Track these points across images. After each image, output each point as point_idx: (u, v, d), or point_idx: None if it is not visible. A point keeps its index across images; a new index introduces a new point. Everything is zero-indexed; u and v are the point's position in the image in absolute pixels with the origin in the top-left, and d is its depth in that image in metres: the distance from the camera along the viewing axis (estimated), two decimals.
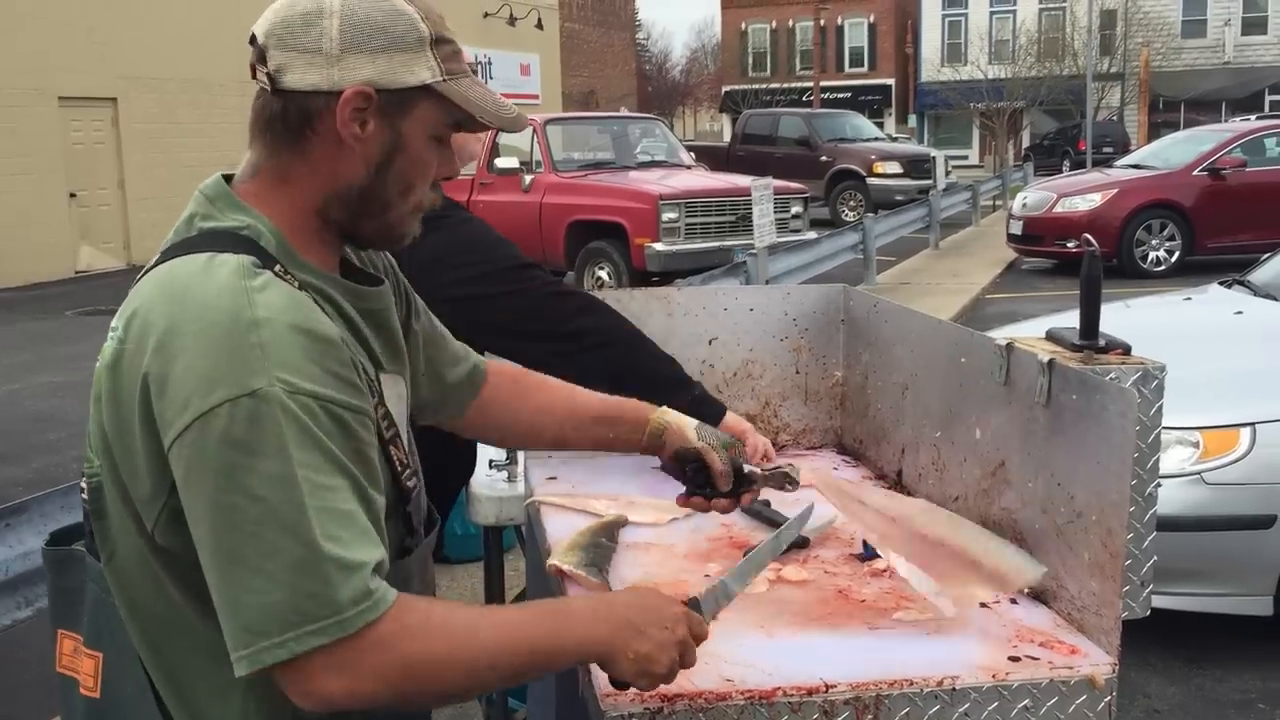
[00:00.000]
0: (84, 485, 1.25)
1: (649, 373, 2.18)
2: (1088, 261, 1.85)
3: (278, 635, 1.07)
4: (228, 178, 1.28)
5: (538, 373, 1.74)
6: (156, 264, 1.22)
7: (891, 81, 48.69)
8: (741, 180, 11.42)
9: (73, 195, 16.08)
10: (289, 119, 1.22)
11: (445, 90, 1.26)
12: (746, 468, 1.70)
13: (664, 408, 1.70)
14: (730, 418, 2.18)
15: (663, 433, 1.66)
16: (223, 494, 1.08)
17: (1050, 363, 1.69)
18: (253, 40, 1.24)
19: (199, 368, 1.10)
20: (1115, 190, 12.91)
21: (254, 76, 1.25)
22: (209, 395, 1.09)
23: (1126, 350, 1.82)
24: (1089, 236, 1.96)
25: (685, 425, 1.67)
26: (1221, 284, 5.78)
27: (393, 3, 1.24)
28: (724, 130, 48.04)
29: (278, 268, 1.19)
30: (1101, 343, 1.82)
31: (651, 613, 1.27)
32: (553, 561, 1.81)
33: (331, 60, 1.20)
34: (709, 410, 2.18)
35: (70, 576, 1.28)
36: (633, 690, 1.42)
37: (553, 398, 1.69)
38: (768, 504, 2.13)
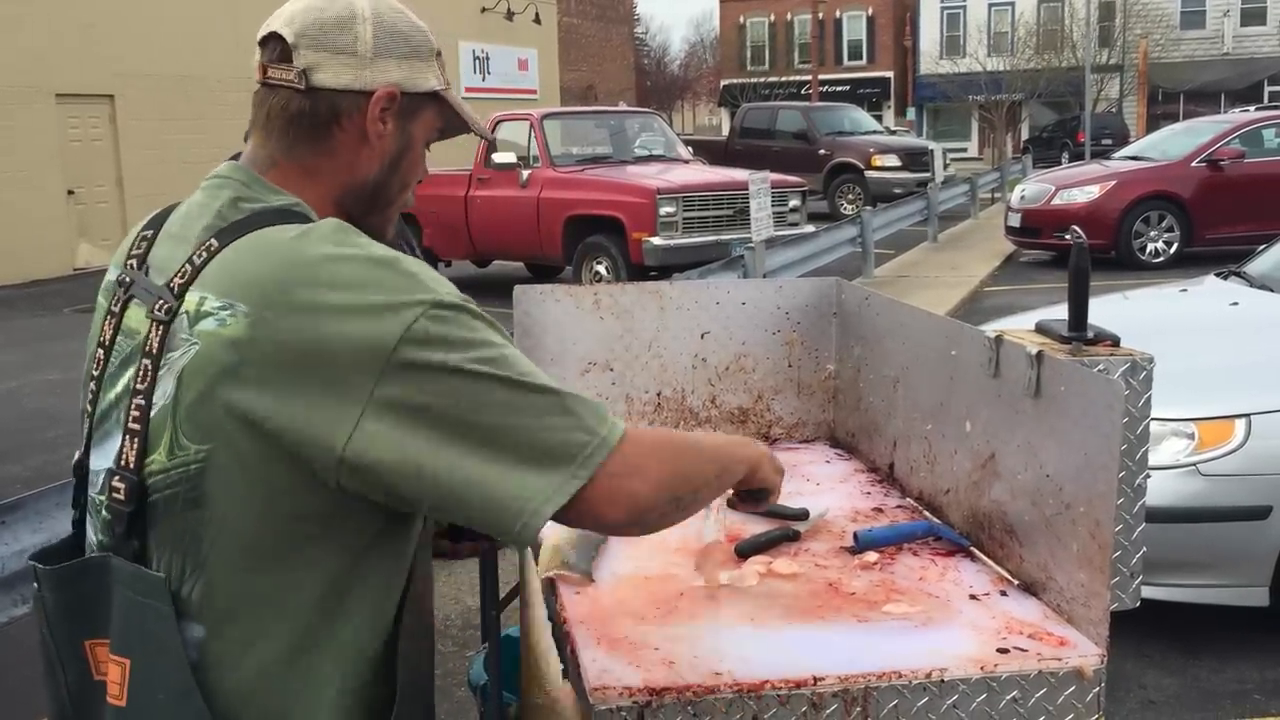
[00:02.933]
0: (118, 486, 1.22)
1: None
2: (1075, 253, 1.85)
3: (569, 467, 1.18)
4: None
5: None
6: (223, 244, 1.22)
7: (890, 74, 48.64)
8: (739, 174, 11.43)
9: (70, 192, 16.07)
10: (317, 114, 1.29)
11: (448, 98, 1.37)
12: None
13: None
14: None
15: None
16: (463, 383, 1.16)
17: (1039, 355, 1.69)
18: (269, 39, 1.30)
19: (374, 303, 1.15)
20: (1114, 182, 12.91)
21: (263, 75, 1.30)
22: (398, 318, 1.15)
23: (1115, 342, 1.82)
24: (1077, 228, 1.95)
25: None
26: (1218, 275, 5.78)
27: (410, 16, 1.35)
28: (723, 124, 47.99)
29: None
30: (1090, 334, 1.82)
31: (748, 440, 1.57)
32: (545, 575, 1.80)
33: (365, 62, 1.29)
34: None
35: (93, 585, 1.25)
36: (621, 684, 1.43)
37: None
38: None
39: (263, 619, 1.20)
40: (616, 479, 1.21)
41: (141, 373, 1.21)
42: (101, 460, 1.27)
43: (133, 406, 1.21)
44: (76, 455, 1.34)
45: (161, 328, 1.21)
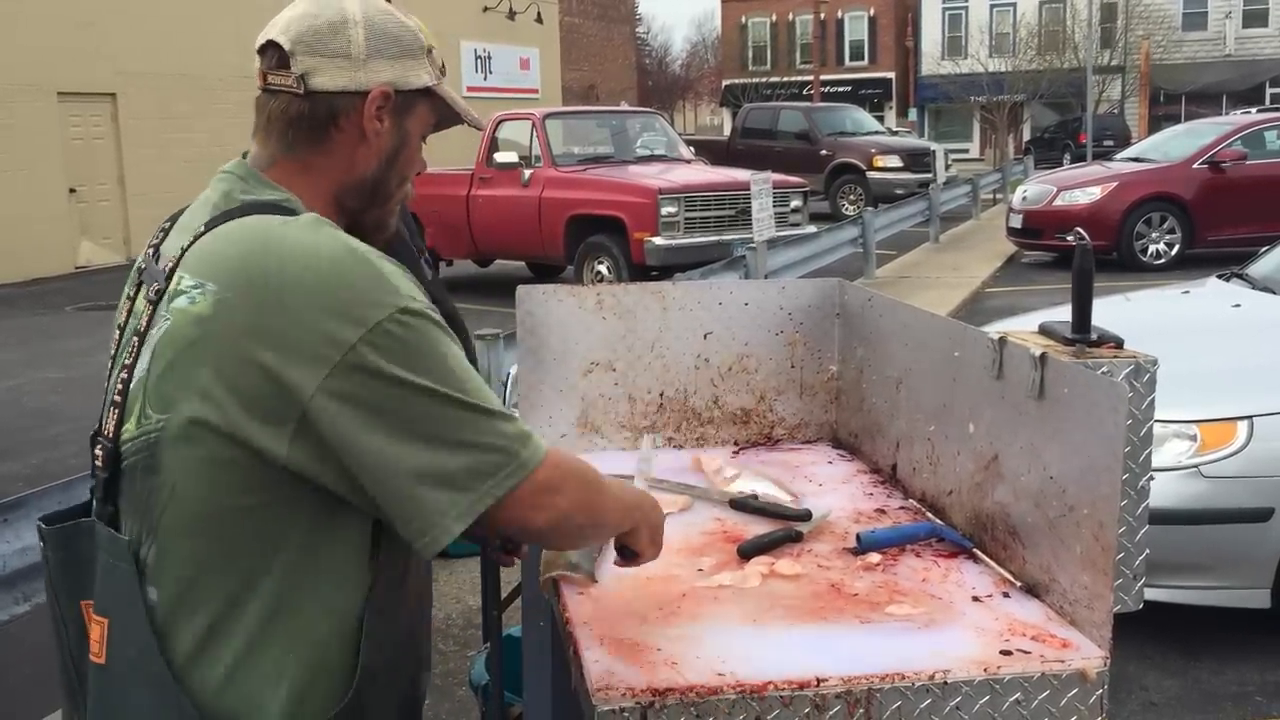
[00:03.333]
0: (98, 453, 1.31)
1: None
2: (1079, 255, 1.85)
3: (485, 485, 1.25)
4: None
5: None
6: (208, 230, 1.30)
7: (892, 75, 48.64)
8: (741, 174, 11.42)
9: (72, 191, 16.08)
10: (316, 116, 1.36)
11: (441, 93, 1.44)
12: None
13: None
14: None
15: None
16: (407, 393, 1.22)
17: (1043, 356, 1.69)
18: (267, 48, 1.37)
19: (341, 298, 1.21)
20: (1115, 183, 12.90)
21: (264, 81, 1.38)
22: (361, 320, 1.21)
23: (1119, 344, 1.82)
24: (1080, 230, 1.96)
25: None
26: (1220, 277, 5.78)
27: (400, 17, 1.41)
28: (724, 124, 47.99)
29: None
30: (1094, 336, 1.82)
31: (643, 495, 1.59)
32: (545, 576, 1.79)
33: (358, 64, 1.37)
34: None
35: (82, 548, 1.33)
36: (624, 685, 1.43)
37: None
38: (755, 496, 2.14)
39: (210, 587, 1.26)
40: (537, 495, 1.29)
41: (130, 348, 1.30)
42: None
43: (117, 381, 1.30)
44: (95, 428, 1.40)
45: (152, 307, 1.30)
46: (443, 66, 1.47)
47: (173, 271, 1.29)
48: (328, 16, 1.36)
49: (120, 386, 1.29)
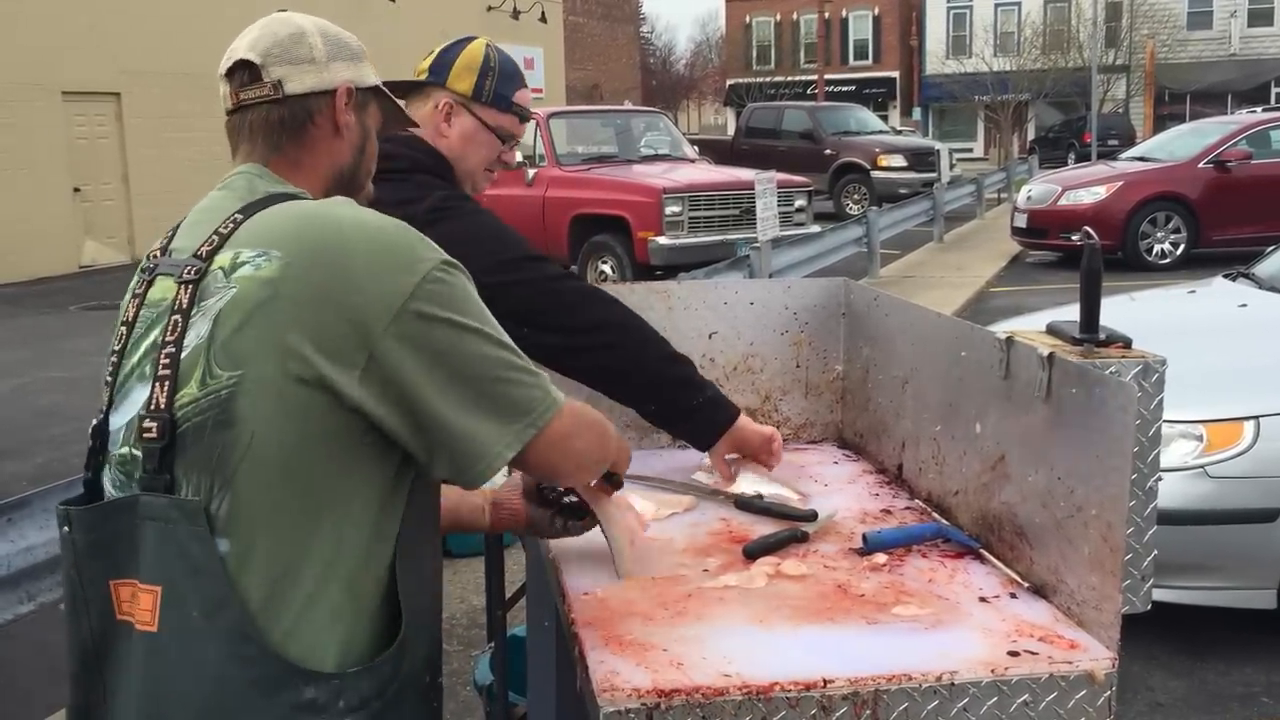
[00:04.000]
0: (150, 426, 1.33)
1: (654, 374, 2.16)
2: (1088, 255, 1.84)
3: (528, 417, 1.40)
4: None
5: None
6: (249, 215, 1.40)
7: (896, 74, 48.60)
8: (745, 174, 11.41)
9: (76, 190, 16.09)
10: (295, 118, 1.50)
11: (386, 91, 1.61)
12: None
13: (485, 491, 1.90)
14: (744, 423, 2.20)
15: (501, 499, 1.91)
16: (460, 333, 1.36)
17: (1050, 356, 1.68)
18: (234, 69, 1.50)
19: (395, 256, 1.35)
20: (1120, 183, 12.88)
21: (235, 100, 1.51)
22: (413, 270, 1.35)
23: (1127, 344, 1.81)
24: (1089, 230, 1.95)
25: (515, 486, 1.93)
26: (1226, 277, 5.76)
27: (339, 28, 1.58)
28: (728, 124, 47.97)
29: None
30: (1102, 336, 1.81)
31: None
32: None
33: (321, 66, 1.51)
34: (719, 416, 2.18)
35: (120, 525, 1.35)
36: (630, 685, 1.42)
37: None
38: (760, 496, 2.13)
39: (282, 533, 1.32)
40: (562, 435, 1.45)
41: (171, 327, 1.35)
42: (124, 416, 1.39)
43: (162, 356, 1.35)
44: (94, 422, 1.44)
45: (190, 287, 1.36)
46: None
47: (213, 253, 1.37)
48: (287, 31, 1.51)
49: (168, 360, 1.34)
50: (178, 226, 1.49)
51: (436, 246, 1.40)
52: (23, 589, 3.03)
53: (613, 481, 1.79)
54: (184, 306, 1.35)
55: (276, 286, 1.32)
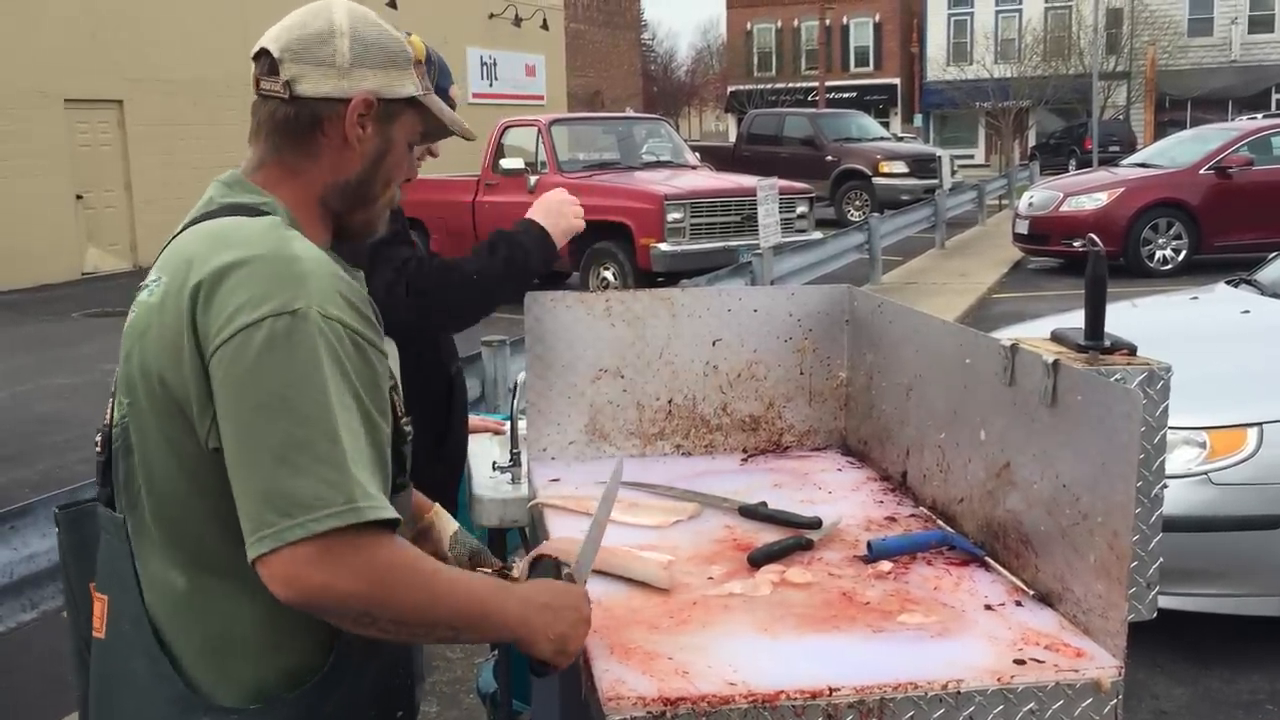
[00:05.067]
0: (97, 439, 1.41)
1: (493, 281, 2.39)
2: (1093, 261, 1.84)
3: (300, 516, 1.19)
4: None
5: None
6: (180, 232, 1.40)
7: (897, 81, 48.63)
8: (747, 180, 11.42)
9: (79, 197, 16.10)
10: (301, 121, 1.43)
11: (427, 103, 1.51)
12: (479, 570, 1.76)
13: (437, 508, 1.83)
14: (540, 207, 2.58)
15: (429, 530, 1.81)
16: (259, 393, 1.23)
17: (1055, 363, 1.68)
18: (260, 54, 1.44)
19: (247, 286, 1.26)
20: (1121, 189, 12.88)
21: (257, 87, 1.45)
22: (255, 310, 1.25)
23: (1132, 351, 1.81)
24: (1094, 236, 1.95)
25: (444, 533, 1.81)
26: (1228, 283, 5.76)
27: (387, 28, 1.49)
28: (729, 130, 48.00)
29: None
30: (1107, 343, 1.81)
31: (561, 595, 1.45)
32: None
33: (343, 73, 1.43)
34: (529, 243, 2.49)
35: (90, 531, 1.43)
36: (635, 694, 1.42)
37: None
38: (765, 504, 2.12)
39: (184, 559, 1.33)
40: (344, 560, 1.20)
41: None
42: None
43: (116, 372, 1.40)
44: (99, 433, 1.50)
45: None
46: (424, 74, 1.54)
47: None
48: (316, 27, 1.43)
49: (115, 377, 1.40)
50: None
51: (319, 291, 1.27)
52: (25, 596, 3.02)
53: (538, 673, 1.46)
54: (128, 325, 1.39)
55: (153, 316, 1.32)
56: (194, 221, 1.40)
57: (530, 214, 2.55)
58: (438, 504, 1.84)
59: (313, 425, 1.22)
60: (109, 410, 1.40)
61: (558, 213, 2.53)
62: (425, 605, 1.28)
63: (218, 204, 1.41)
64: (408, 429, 1.47)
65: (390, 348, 1.54)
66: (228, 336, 1.24)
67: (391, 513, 1.25)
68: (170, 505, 1.33)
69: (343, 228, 1.51)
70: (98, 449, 1.41)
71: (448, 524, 1.83)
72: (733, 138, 29.22)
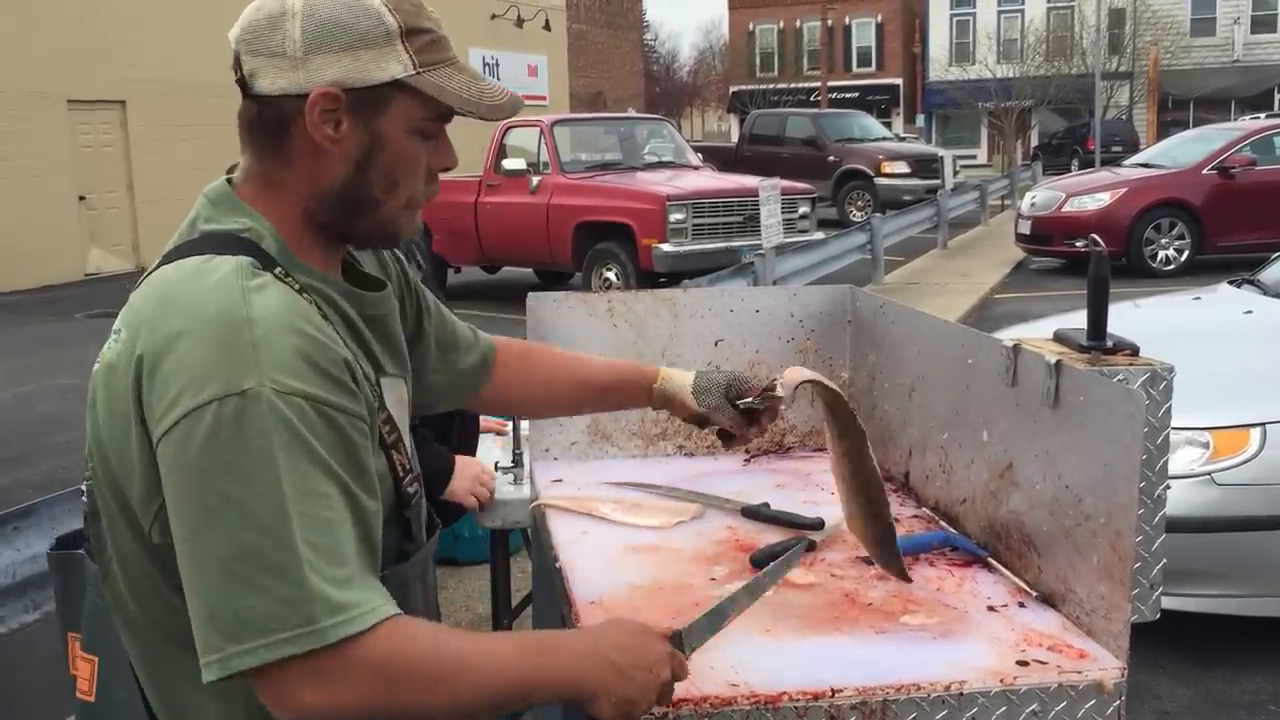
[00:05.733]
0: (84, 488, 1.26)
1: None
2: (1095, 262, 1.83)
3: (250, 641, 1.05)
4: (229, 179, 1.29)
5: (542, 345, 1.81)
6: (158, 266, 1.21)
7: (899, 81, 48.61)
8: (749, 181, 11.41)
9: (82, 198, 16.12)
10: (267, 124, 1.22)
11: (418, 84, 1.22)
12: (743, 404, 1.74)
13: (665, 371, 1.75)
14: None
15: (668, 399, 1.74)
16: (204, 494, 1.07)
17: (1058, 364, 1.68)
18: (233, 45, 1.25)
19: (190, 363, 1.09)
20: (1124, 189, 12.87)
21: (235, 80, 1.25)
22: (199, 393, 1.08)
23: (1134, 351, 1.81)
24: (1096, 237, 1.94)
25: (684, 391, 1.72)
26: (1231, 283, 5.75)
27: (367, 3, 1.21)
28: (731, 131, 48.01)
29: (278, 270, 1.19)
30: (1109, 343, 1.81)
31: (636, 654, 1.25)
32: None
33: (296, 63, 1.19)
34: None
35: (73, 579, 1.32)
36: None
37: (556, 370, 1.75)
38: (767, 505, 2.12)
39: (153, 637, 1.21)
40: (308, 679, 1.07)
41: None
42: None
43: None
44: None
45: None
46: (435, 44, 1.25)
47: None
48: (268, 9, 1.21)
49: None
50: None
51: (270, 364, 1.09)
52: (28, 597, 3.02)
53: None
54: None
55: (109, 378, 1.17)
56: (171, 253, 1.22)
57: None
58: (662, 368, 1.78)
59: (264, 532, 1.05)
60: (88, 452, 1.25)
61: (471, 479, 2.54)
62: (449, 697, 1.13)
63: (199, 231, 1.23)
64: (412, 490, 1.31)
65: (401, 389, 1.37)
66: (169, 425, 1.08)
67: (369, 617, 1.08)
68: (135, 581, 1.20)
69: (350, 239, 1.31)
70: (84, 498, 1.26)
71: (683, 384, 1.73)
72: (735, 138, 29.21)
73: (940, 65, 45.28)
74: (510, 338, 1.79)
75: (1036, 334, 2.18)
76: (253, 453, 1.07)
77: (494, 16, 25.06)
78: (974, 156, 42.62)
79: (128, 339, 1.16)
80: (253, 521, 1.06)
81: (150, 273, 1.22)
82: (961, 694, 1.44)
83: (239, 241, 1.21)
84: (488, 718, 1.18)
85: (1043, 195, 13.57)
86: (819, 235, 11.72)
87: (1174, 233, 12.62)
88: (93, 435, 1.19)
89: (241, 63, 1.22)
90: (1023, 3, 44.59)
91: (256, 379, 1.08)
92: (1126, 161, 15.53)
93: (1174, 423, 1.72)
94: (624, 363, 1.80)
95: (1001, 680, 1.46)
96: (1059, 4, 43.42)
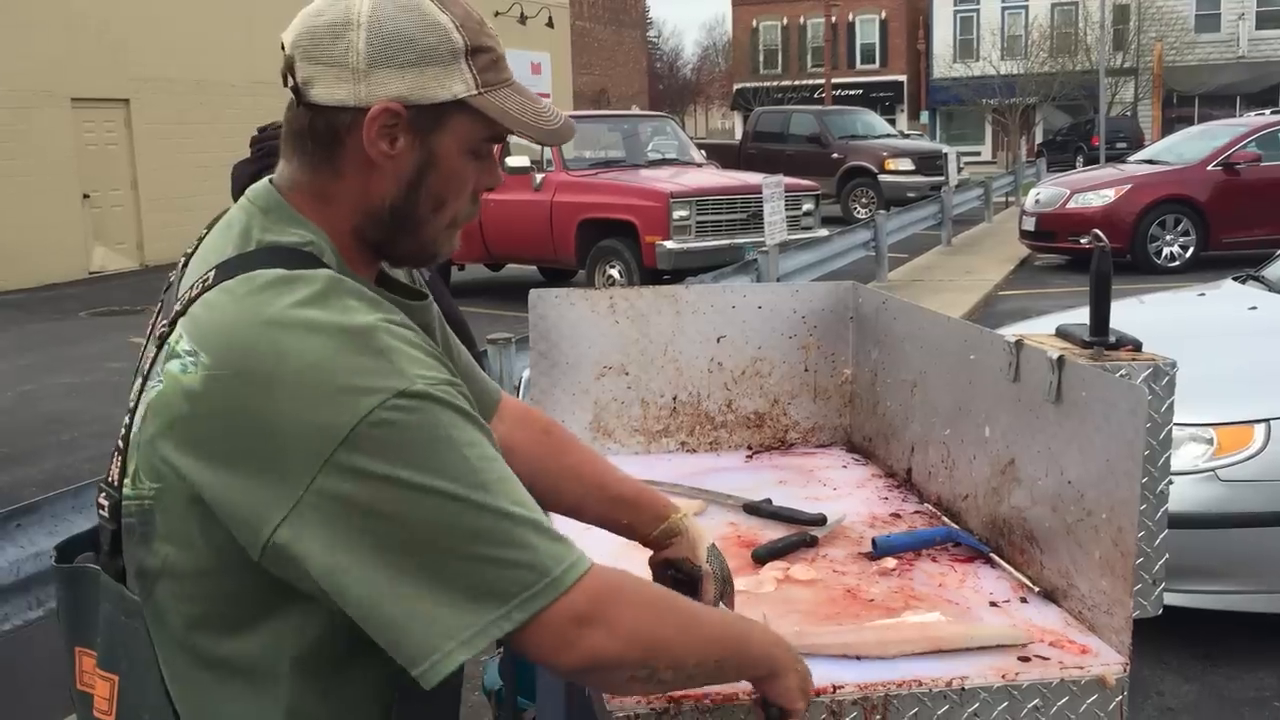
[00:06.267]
0: (104, 503, 1.20)
1: None
2: (1097, 258, 1.83)
3: (502, 608, 1.06)
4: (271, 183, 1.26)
5: (565, 429, 1.66)
6: (217, 279, 1.15)
7: (903, 78, 48.58)
8: (753, 178, 11.41)
9: (86, 196, 16.15)
10: (318, 134, 1.18)
11: (480, 104, 1.19)
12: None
13: (685, 513, 1.61)
14: None
15: (674, 537, 1.58)
16: (407, 499, 1.05)
17: (1060, 359, 1.67)
18: (283, 47, 1.20)
19: (332, 383, 1.06)
20: (1129, 186, 12.85)
21: (285, 84, 1.20)
22: (354, 405, 1.05)
23: (1137, 346, 1.81)
24: (1098, 232, 1.94)
25: (699, 541, 1.58)
26: (1236, 279, 5.74)
27: (425, 12, 1.17)
28: (735, 128, 47.99)
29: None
30: (1112, 339, 1.81)
31: (783, 640, 1.34)
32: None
33: (358, 75, 1.15)
34: None
35: (84, 593, 1.24)
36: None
37: (583, 463, 1.60)
38: (769, 501, 2.12)
39: (191, 657, 1.16)
40: (570, 625, 1.08)
41: (135, 390, 1.18)
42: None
43: (124, 424, 1.18)
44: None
45: (155, 351, 1.17)
46: (496, 64, 1.22)
47: (179, 317, 1.15)
48: (330, 16, 1.16)
49: (124, 432, 1.18)
50: (205, 233, 1.28)
51: (408, 363, 1.09)
52: (32, 594, 3.03)
53: (770, 716, 1.32)
54: (146, 370, 1.17)
55: (194, 404, 1.09)
56: (230, 265, 1.16)
57: None
58: (680, 504, 1.63)
59: (481, 519, 1.06)
60: (114, 468, 1.18)
61: None
62: (689, 630, 1.18)
63: (255, 242, 1.17)
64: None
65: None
66: (336, 445, 1.04)
67: (584, 556, 1.11)
68: (195, 603, 1.15)
69: (389, 256, 1.27)
70: (103, 513, 1.19)
71: (700, 535, 1.58)
72: (739, 135, 29.21)
73: (944, 62, 45.24)
74: (528, 407, 1.67)
75: (1039, 330, 2.18)
76: (436, 441, 1.07)
77: (498, 13, 25.07)
78: (978, 153, 42.59)
79: (223, 367, 1.08)
80: (472, 503, 1.06)
81: (213, 282, 1.15)
82: (963, 689, 1.44)
83: (304, 256, 1.16)
84: (703, 684, 1.23)
85: (1047, 192, 13.56)
86: (823, 232, 11.71)
87: (1179, 229, 12.60)
88: (174, 463, 1.10)
89: (296, 68, 1.17)
90: None
91: (406, 380, 1.07)
92: (1131, 158, 15.51)
93: (1178, 419, 1.72)
94: (644, 486, 1.64)
95: (1003, 676, 1.46)
96: (1063, 0, 43.35)
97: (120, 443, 1.18)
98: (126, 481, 1.16)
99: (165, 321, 1.18)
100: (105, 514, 1.19)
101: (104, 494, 1.20)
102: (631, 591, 1.16)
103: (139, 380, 1.18)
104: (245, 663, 1.14)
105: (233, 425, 1.07)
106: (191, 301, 1.15)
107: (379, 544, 1.05)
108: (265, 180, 1.25)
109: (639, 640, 1.13)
